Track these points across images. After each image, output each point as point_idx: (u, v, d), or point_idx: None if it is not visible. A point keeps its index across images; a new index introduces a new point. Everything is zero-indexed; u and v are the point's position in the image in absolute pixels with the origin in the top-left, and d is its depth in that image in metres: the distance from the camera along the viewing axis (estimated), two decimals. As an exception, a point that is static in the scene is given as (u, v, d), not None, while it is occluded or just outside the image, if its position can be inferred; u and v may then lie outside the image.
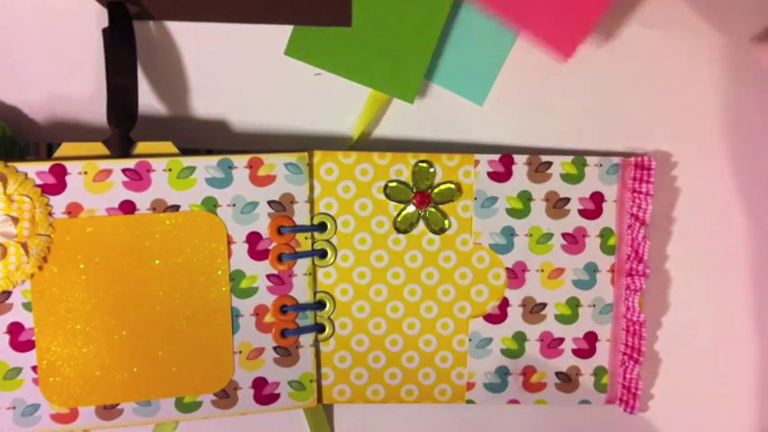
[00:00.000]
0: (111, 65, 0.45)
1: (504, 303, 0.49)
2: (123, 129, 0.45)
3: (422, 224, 0.48)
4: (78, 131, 0.47)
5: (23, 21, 0.47)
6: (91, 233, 0.45)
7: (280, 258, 0.47)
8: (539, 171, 0.48)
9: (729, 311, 0.51)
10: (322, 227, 0.48)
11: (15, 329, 0.45)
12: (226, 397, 0.47)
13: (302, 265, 0.47)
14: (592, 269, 0.49)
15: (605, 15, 0.43)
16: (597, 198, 0.49)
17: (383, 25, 0.48)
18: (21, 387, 0.45)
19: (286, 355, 0.48)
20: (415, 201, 0.48)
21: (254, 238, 0.46)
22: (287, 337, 0.48)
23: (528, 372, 0.49)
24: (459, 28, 0.48)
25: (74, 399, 0.46)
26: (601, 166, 0.48)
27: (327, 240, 0.48)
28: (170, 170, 0.45)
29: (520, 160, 0.48)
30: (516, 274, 0.49)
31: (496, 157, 0.48)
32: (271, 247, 0.47)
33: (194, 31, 0.48)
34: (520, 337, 0.49)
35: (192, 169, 0.45)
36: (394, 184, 0.48)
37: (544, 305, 0.49)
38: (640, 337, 0.48)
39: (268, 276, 0.47)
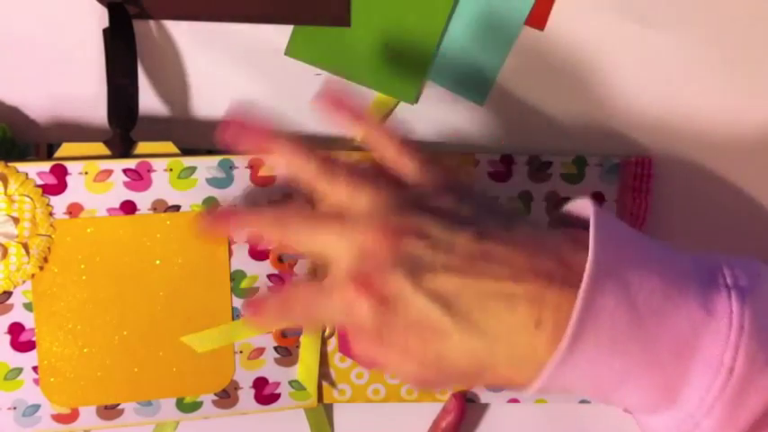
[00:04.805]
0: (112, 65, 0.45)
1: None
2: (124, 129, 0.45)
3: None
4: (79, 132, 0.47)
5: (23, 21, 0.47)
6: (91, 233, 0.45)
7: (280, 258, 0.47)
8: (539, 171, 0.48)
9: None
10: (322, 227, 0.48)
11: (16, 330, 0.45)
12: (226, 397, 0.47)
13: (303, 265, 0.47)
14: (592, 269, 0.49)
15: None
16: (597, 198, 0.49)
17: (383, 25, 0.48)
18: (21, 387, 0.45)
19: (287, 354, 0.48)
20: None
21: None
22: (287, 337, 0.48)
23: (528, 371, 0.49)
24: (460, 27, 0.48)
25: (74, 399, 0.46)
26: (601, 165, 0.48)
27: (328, 240, 0.48)
28: (171, 170, 0.45)
29: (520, 160, 0.48)
30: None
31: (497, 156, 0.48)
32: (271, 247, 0.47)
33: (194, 31, 0.48)
34: (519, 337, 0.49)
35: (192, 169, 0.45)
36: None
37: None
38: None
39: (269, 276, 0.47)
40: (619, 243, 0.36)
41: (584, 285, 0.34)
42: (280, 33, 0.48)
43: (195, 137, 0.48)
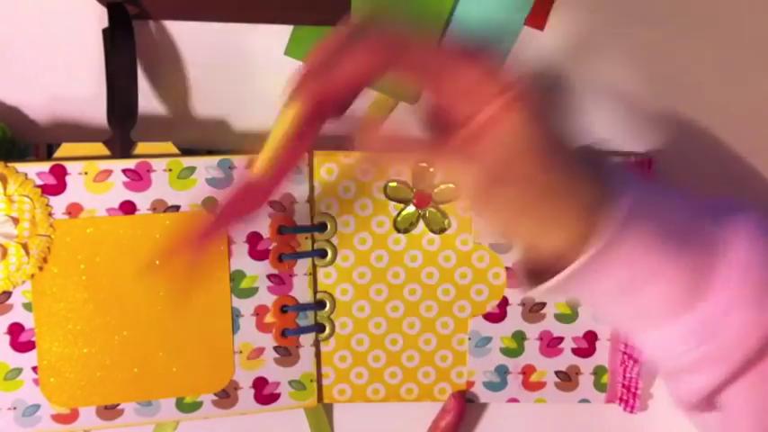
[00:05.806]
0: (111, 65, 0.45)
1: (504, 302, 0.49)
2: (123, 129, 0.45)
3: (422, 224, 0.48)
4: (78, 132, 0.47)
5: (23, 21, 0.47)
6: (91, 233, 0.45)
7: (280, 258, 0.47)
8: (539, 171, 0.48)
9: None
10: (322, 227, 0.48)
11: (16, 330, 0.45)
12: (226, 397, 0.47)
13: (302, 265, 0.47)
14: (591, 269, 0.49)
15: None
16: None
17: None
18: (21, 387, 0.45)
19: (286, 354, 0.48)
20: (415, 201, 0.48)
21: (254, 239, 0.47)
22: (287, 337, 0.48)
23: (528, 371, 0.50)
24: (459, 28, 0.48)
25: (74, 399, 0.46)
26: (601, 165, 0.48)
27: (327, 240, 0.48)
28: (170, 170, 0.45)
29: (520, 160, 0.48)
30: (516, 274, 0.49)
31: (496, 156, 0.48)
32: (271, 248, 0.47)
33: (194, 31, 0.48)
34: (519, 336, 0.49)
35: (192, 169, 0.45)
36: (394, 183, 0.48)
37: (543, 304, 0.49)
38: (640, 337, 0.48)
39: (268, 276, 0.47)
40: (646, 184, 0.39)
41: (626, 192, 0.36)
42: (280, 33, 0.48)
43: (195, 137, 0.48)
